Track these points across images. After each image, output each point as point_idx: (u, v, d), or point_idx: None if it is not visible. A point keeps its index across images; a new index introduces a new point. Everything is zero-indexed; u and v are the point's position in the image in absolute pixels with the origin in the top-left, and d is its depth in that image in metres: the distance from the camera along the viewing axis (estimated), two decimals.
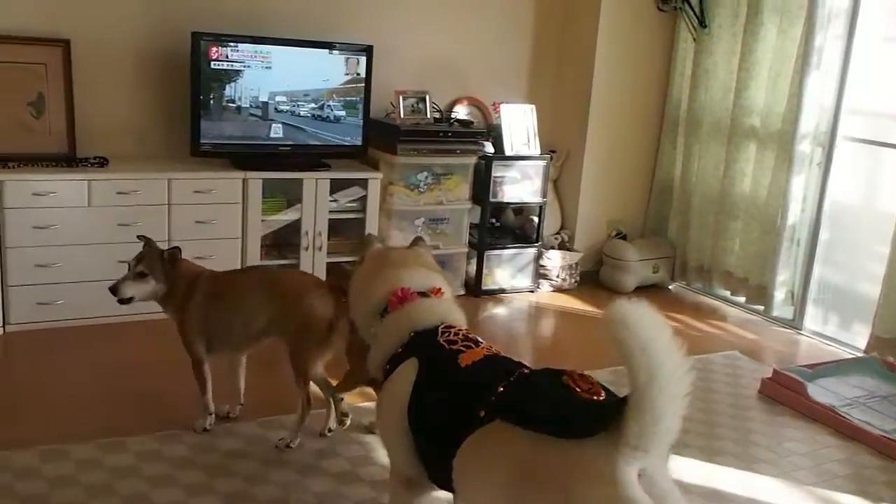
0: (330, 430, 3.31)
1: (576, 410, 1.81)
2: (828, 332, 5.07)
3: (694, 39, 5.61)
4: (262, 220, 4.69)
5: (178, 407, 3.46)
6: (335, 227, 4.92)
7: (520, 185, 5.50)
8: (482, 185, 5.35)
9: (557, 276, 5.67)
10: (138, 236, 3.25)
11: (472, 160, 5.31)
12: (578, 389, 1.84)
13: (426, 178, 5.20)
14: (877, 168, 5.05)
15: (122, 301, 3.14)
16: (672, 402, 1.67)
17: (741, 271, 5.38)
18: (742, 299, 5.44)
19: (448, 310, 2.41)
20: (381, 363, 2.35)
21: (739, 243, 5.38)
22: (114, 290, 3.12)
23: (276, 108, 4.73)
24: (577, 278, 5.74)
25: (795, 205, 5.03)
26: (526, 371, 2.07)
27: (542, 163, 5.51)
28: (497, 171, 5.38)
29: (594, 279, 5.85)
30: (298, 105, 4.79)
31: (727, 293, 5.57)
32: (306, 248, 4.81)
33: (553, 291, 5.63)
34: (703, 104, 5.55)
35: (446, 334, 2.28)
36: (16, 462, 2.94)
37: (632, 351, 1.66)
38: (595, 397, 1.83)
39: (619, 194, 5.91)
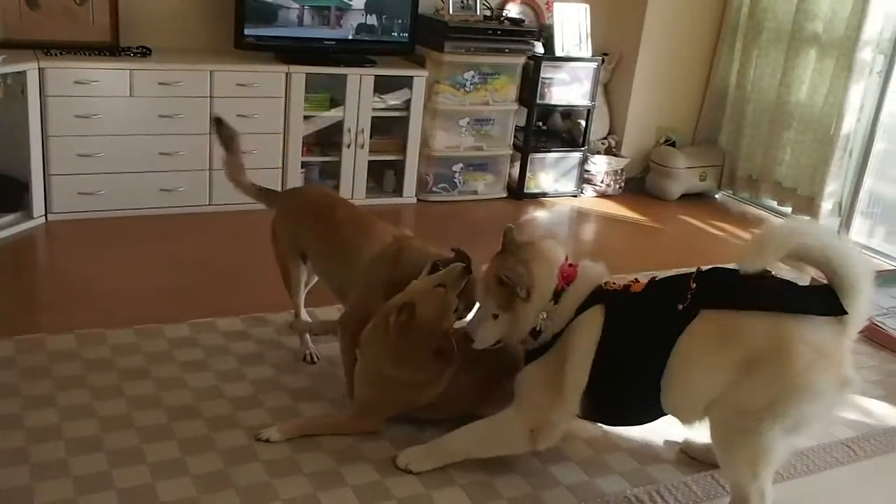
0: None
1: (816, 293, 2.22)
2: (873, 245, 4.99)
3: None
4: (305, 117, 4.67)
5: (212, 298, 3.55)
6: (378, 126, 4.89)
7: (569, 88, 5.38)
8: (530, 86, 5.25)
9: (602, 182, 5.59)
10: None
11: (521, 60, 5.20)
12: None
13: (473, 77, 5.11)
14: None
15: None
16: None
17: (790, 181, 5.25)
18: (788, 209, 5.33)
19: (602, 268, 2.51)
20: (558, 328, 2.42)
21: (791, 153, 5.24)
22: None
23: (322, 2, 4.65)
24: (622, 184, 5.66)
25: (851, 114, 4.88)
26: (696, 271, 2.35)
27: (593, 65, 5.37)
28: (546, 72, 5.26)
29: (640, 186, 5.77)
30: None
31: (774, 203, 5.47)
32: (348, 146, 4.79)
33: (597, 197, 5.57)
34: (765, 8, 5.32)
35: (610, 284, 2.46)
36: (53, 345, 3.04)
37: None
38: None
39: (671, 100, 5.76)
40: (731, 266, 2.32)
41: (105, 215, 4.24)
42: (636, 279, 2.47)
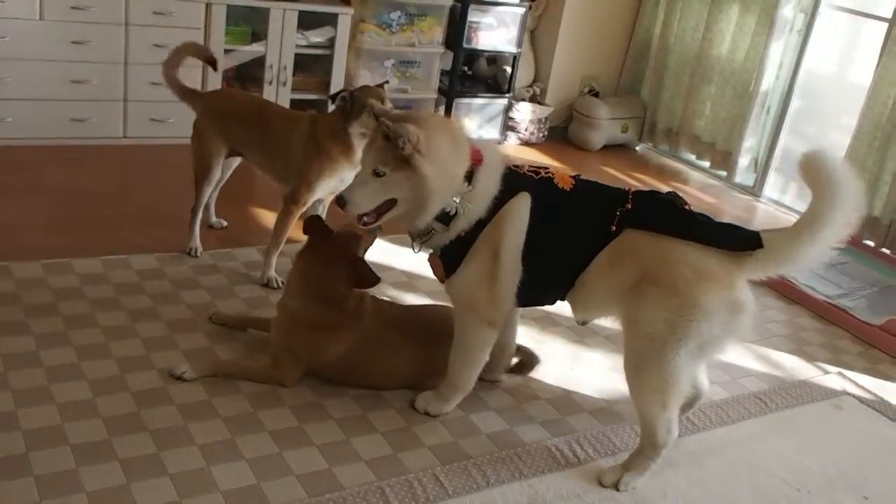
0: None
1: (732, 229, 2.34)
2: (785, 201, 5.13)
3: None
4: (226, 51, 4.52)
5: (125, 235, 3.44)
6: (301, 64, 4.77)
7: (495, 33, 5.33)
8: (456, 29, 5.18)
9: (525, 130, 5.58)
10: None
11: (448, 2, 5.12)
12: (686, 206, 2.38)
13: (399, 17, 5.02)
14: (855, 39, 4.97)
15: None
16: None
17: (709, 136, 5.35)
18: (706, 164, 5.44)
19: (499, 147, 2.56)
20: (479, 214, 2.37)
21: (710, 107, 5.33)
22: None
23: None
24: (546, 133, 5.66)
25: (771, 71, 4.97)
26: (633, 191, 2.41)
27: (520, 10, 5.32)
28: (473, 15, 5.19)
29: (562, 135, 5.78)
30: None
31: (692, 157, 5.56)
32: (270, 83, 4.66)
33: (520, 145, 5.57)
34: None
35: (525, 167, 2.47)
36: None
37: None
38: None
39: (596, 50, 5.76)
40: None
41: (12, 143, 4.05)
42: (546, 167, 2.49)
